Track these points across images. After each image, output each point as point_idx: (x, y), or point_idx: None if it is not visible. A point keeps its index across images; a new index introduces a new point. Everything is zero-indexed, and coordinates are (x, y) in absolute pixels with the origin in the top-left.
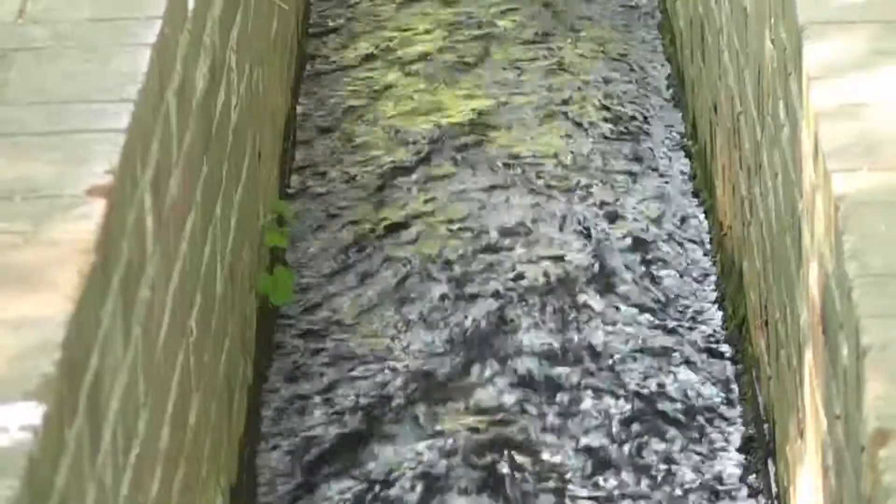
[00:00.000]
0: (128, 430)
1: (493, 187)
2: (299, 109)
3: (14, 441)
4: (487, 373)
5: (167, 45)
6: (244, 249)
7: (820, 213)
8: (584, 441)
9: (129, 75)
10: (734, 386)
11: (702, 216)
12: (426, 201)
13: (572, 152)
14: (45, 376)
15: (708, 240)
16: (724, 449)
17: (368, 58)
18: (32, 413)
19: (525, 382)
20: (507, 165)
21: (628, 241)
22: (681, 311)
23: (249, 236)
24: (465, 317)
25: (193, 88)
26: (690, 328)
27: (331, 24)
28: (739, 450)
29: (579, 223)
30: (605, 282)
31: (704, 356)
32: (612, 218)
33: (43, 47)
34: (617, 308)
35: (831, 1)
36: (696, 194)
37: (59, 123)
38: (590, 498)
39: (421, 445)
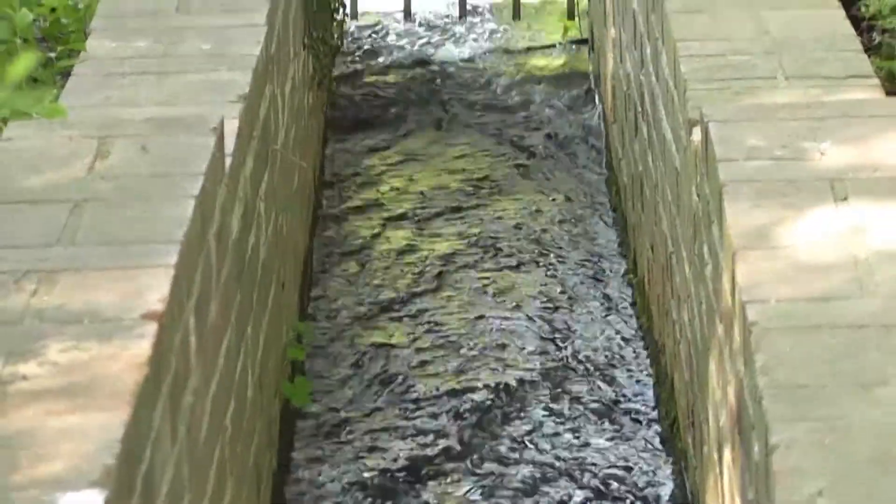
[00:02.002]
0: None
1: (471, 304)
2: (315, 244)
3: None
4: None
5: (208, 197)
6: (270, 361)
7: (736, 335)
8: None
9: (178, 221)
10: (668, 472)
11: (641, 335)
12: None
13: (543, 283)
14: (107, 467)
15: (645, 355)
16: None
17: (369, 205)
18: (96, 498)
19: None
20: (478, 290)
21: (579, 355)
22: (623, 412)
23: (275, 351)
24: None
25: (229, 231)
26: (633, 426)
27: (341, 178)
28: None
29: (537, 338)
30: (559, 389)
31: (642, 450)
32: (566, 336)
33: (108, 198)
34: (568, 407)
35: (747, 164)
36: (636, 318)
37: (120, 260)
38: None
39: None
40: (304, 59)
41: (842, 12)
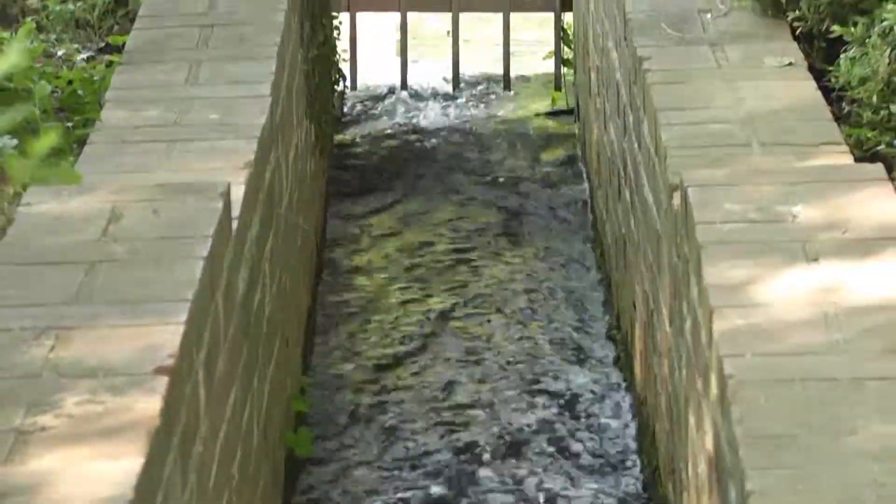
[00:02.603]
0: None
1: (461, 359)
2: (318, 301)
3: None
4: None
5: (216, 258)
6: (275, 413)
7: (714, 387)
8: None
9: (187, 281)
10: None
11: (624, 388)
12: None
13: (532, 338)
14: None
15: (628, 407)
16: None
17: (368, 265)
18: None
19: None
20: (469, 346)
21: (565, 404)
22: (608, 460)
23: (279, 403)
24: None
25: (236, 290)
26: (617, 473)
27: (342, 238)
28: None
29: (526, 390)
30: (547, 436)
31: (625, 496)
32: (553, 388)
33: (122, 259)
34: (558, 454)
35: (724, 226)
36: (619, 371)
37: (133, 318)
38: None
39: None
40: (306, 128)
41: (813, 83)
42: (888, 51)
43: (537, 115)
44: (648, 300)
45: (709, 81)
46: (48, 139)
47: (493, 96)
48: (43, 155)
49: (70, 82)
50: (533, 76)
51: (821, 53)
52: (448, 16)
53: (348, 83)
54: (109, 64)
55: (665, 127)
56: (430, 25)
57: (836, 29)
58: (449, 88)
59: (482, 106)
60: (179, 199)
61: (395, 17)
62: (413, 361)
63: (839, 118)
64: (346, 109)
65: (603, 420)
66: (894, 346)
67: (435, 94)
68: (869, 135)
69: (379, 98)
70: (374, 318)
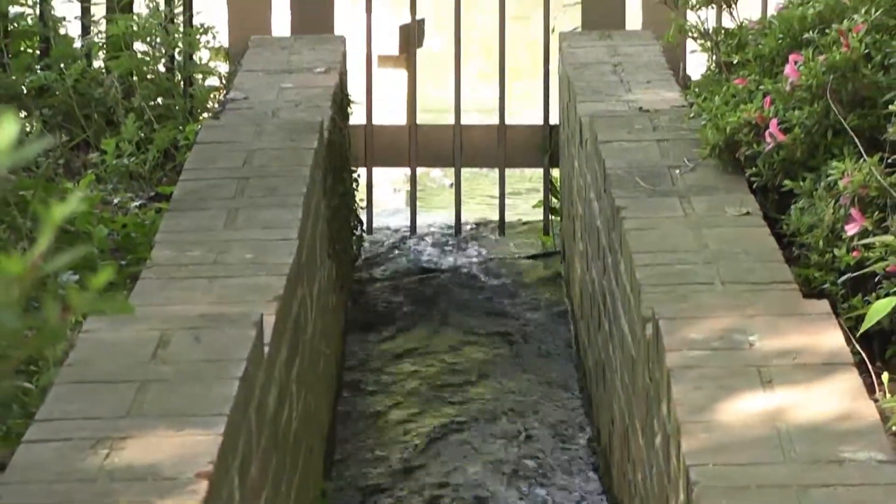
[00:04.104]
0: None
1: (461, 467)
2: (337, 417)
3: None
4: None
5: (250, 379)
6: None
7: (681, 493)
8: None
9: (224, 398)
10: None
11: (603, 492)
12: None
13: (521, 449)
14: None
15: None
16: None
17: (381, 386)
18: None
19: None
20: (468, 455)
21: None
22: None
23: None
24: None
25: (267, 407)
26: None
27: (359, 363)
28: None
29: (515, 495)
30: None
31: None
32: (538, 495)
33: (168, 379)
34: None
35: (690, 353)
36: (600, 479)
37: (178, 430)
38: None
39: None
40: (328, 267)
41: (767, 230)
42: (832, 202)
43: (528, 256)
44: (624, 416)
45: (677, 228)
46: (104, 275)
47: (490, 240)
48: (100, 288)
49: (124, 226)
50: (525, 222)
51: (774, 204)
52: (451, 170)
53: (365, 228)
54: (159, 210)
55: (639, 267)
56: (436, 178)
57: (788, 183)
58: (452, 233)
59: (480, 249)
60: (218, 328)
61: (406, 171)
62: (420, 467)
63: (790, 260)
64: (363, 251)
65: None
66: (835, 457)
67: (440, 239)
68: (816, 275)
69: (391, 241)
70: (388, 430)
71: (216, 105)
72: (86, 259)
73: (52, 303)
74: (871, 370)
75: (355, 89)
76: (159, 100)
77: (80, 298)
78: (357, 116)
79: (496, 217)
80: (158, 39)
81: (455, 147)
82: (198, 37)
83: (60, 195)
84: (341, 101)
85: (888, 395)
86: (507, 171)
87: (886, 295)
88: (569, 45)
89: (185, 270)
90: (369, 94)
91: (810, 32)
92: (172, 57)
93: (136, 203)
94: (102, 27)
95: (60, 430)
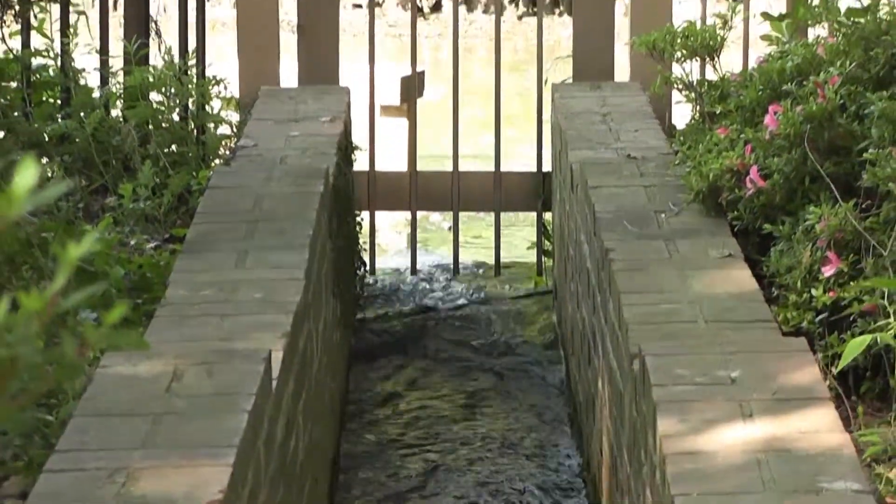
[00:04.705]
0: None
1: (461, 493)
2: (341, 447)
3: None
4: None
5: (258, 411)
6: None
7: None
8: None
9: (234, 430)
10: None
11: None
12: None
13: (513, 477)
14: None
15: None
16: None
17: (383, 417)
18: None
19: None
20: (466, 482)
21: None
22: None
23: None
24: None
25: (275, 438)
26: None
27: (362, 395)
28: None
29: None
30: None
31: None
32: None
33: (181, 412)
34: None
35: (675, 388)
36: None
37: (191, 460)
38: None
39: None
40: (333, 305)
41: (748, 271)
42: (810, 245)
43: (522, 295)
44: (612, 447)
45: (663, 269)
46: (117, 311)
47: (486, 280)
48: (116, 325)
49: (140, 266)
50: (519, 263)
51: (754, 247)
52: (450, 214)
53: (368, 268)
54: (173, 252)
55: (627, 306)
56: (435, 221)
57: (767, 227)
58: (450, 274)
59: (477, 288)
60: (229, 363)
61: (407, 214)
62: (421, 494)
63: (770, 300)
64: (366, 289)
65: None
66: (813, 487)
67: (438, 278)
68: (794, 314)
69: (393, 280)
70: (390, 460)
71: (227, 152)
72: (103, 297)
73: (70, 339)
74: (846, 404)
75: (359, 137)
76: (173, 147)
77: (96, 334)
78: (361, 163)
79: (492, 258)
80: (173, 90)
81: (453, 192)
82: (210, 88)
83: (79, 237)
84: (346, 148)
85: (863, 428)
86: (503, 215)
87: (861, 333)
88: (560, 95)
89: (198, 308)
90: (372, 141)
91: (789, 84)
92: (186, 106)
93: (152, 244)
94: (120, 78)
95: (79, 460)
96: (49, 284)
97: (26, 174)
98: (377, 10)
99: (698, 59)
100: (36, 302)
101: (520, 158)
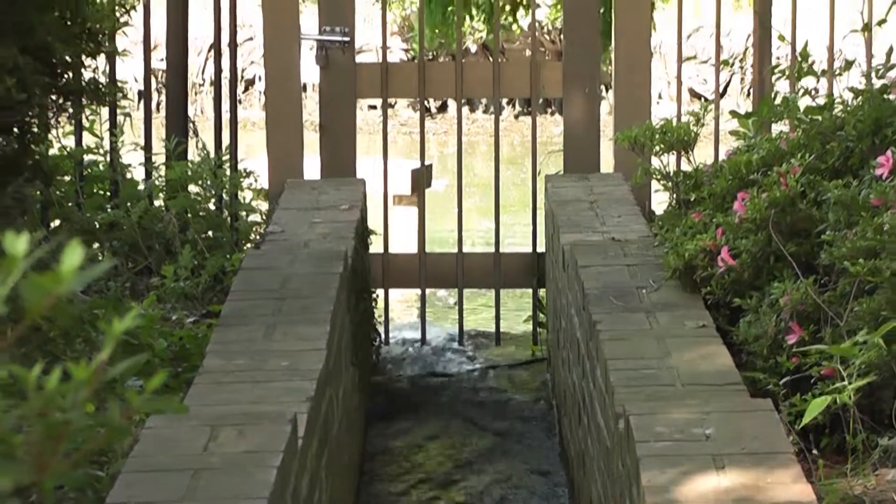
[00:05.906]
0: None
1: None
2: (361, 499)
3: None
4: None
5: (286, 468)
6: None
7: None
8: None
9: (264, 484)
10: None
11: None
12: None
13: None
14: None
15: None
16: None
17: (398, 471)
18: None
19: None
20: None
21: None
22: None
23: None
24: None
25: (300, 492)
26: None
27: (378, 452)
28: None
29: None
30: None
31: None
32: None
33: (218, 468)
34: None
35: (656, 444)
36: None
37: None
38: None
39: None
40: (352, 372)
41: (720, 340)
42: (775, 317)
43: (520, 363)
44: (601, 498)
45: (644, 339)
46: (157, 379)
47: (488, 349)
48: (158, 391)
49: (181, 339)
50: (517, 334)
51: (725, 318)
52: (455, 290)
53: (383, 339)
54: (209, 325)
55: (612, 371)
56: (442, 297)
57: (737, 300)
58: (456, 343)
59: (480, 356)
60: (259, 424)
61: (417, 291)
62: None
63: (739, 365)
64: (381, 358)
65: None
66: None
67: (446, 348)
68: (761, 377)
69: (405, 350)
70: None
71: (258, 237)
72: (147, 366)
73: (114, 404)
74: (808, 458)
75: (374, 223)
76: (210, 233)
77: (139, 400)
78: (376, 245)
79: (492, 329)
80: (209, 182)
81: (458, 271)
82: (242, 180)
83: (125, 313)
84: (362, 233)
85: (823, 480)
86: (502, 291)
87: (821, 394)
88: (553, 185)
89: (232, 376)
90: (386, 227)
91: (755, 174)
92: (220, 197)
93: (191, 319)
94: (162, 172)
95: None
96: (98, 356)
97: (73, 255)
98: (390, 110)
99: (675, 152)
100: (84, 372)
101: (517, 241)
